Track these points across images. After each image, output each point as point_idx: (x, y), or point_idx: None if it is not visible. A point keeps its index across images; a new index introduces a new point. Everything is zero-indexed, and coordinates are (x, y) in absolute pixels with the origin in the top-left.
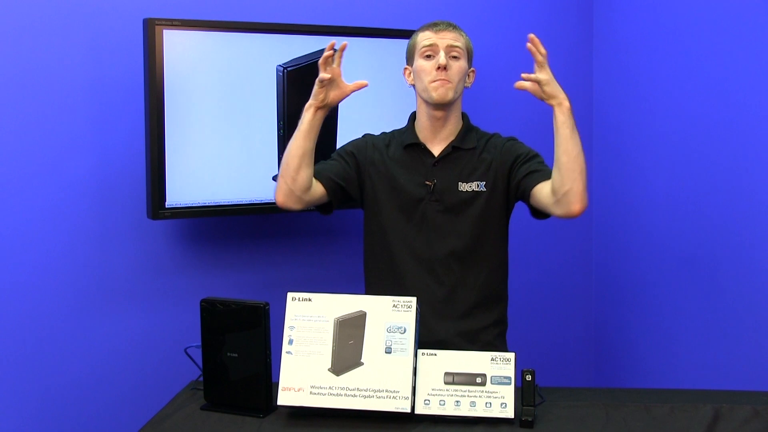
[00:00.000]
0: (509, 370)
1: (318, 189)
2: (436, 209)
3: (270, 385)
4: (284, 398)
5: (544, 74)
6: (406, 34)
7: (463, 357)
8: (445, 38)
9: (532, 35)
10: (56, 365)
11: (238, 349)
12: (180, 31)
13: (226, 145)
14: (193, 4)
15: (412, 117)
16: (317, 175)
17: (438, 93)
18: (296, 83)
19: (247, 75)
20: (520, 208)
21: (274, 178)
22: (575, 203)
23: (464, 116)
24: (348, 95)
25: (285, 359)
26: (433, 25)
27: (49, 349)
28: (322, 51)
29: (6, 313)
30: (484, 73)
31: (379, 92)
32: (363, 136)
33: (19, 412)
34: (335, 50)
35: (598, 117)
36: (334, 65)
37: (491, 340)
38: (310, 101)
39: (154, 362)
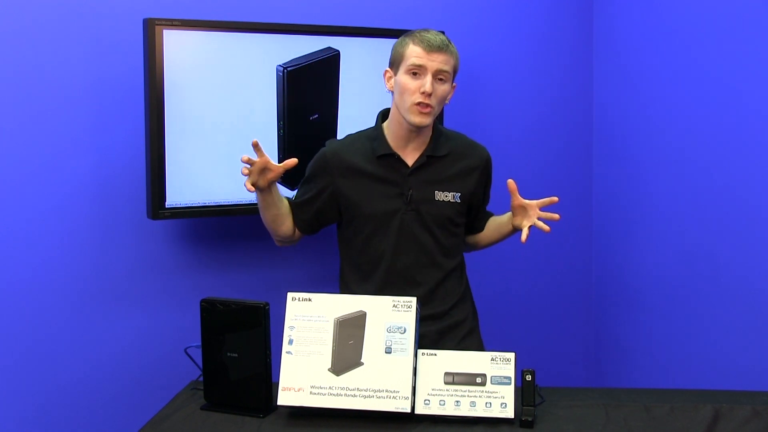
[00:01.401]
0: (509, 370)
1: (299, 234)
2: (413, 219)
3: (270, 385)
4: (284, 398)
5: (525, 218)
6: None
7: (463, 357)
8: (435, 61)
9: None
10: (56, 365)
11: (238, 349)
12: (180, 31)
13: (226, 145)
14: (193, 4)
15: (382, 116)
16: (297, 225)
17: (417, 119)
18: (296, 83)
19: (247, 75)
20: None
21: None
22: (467, 251)
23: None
24: (281, 174)
25: (285, 359)
26: (425, 42)
27: (49, 349)
28: (322, 51)
29: (6, 313)
30: (483, 74)
31: (379, 92)
32: (323, 152)
33: (19, 411)
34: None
35: (598, 117)
36: (256, 159)
37: (468, 333)
38: (248, 186)
39: (154, 362)
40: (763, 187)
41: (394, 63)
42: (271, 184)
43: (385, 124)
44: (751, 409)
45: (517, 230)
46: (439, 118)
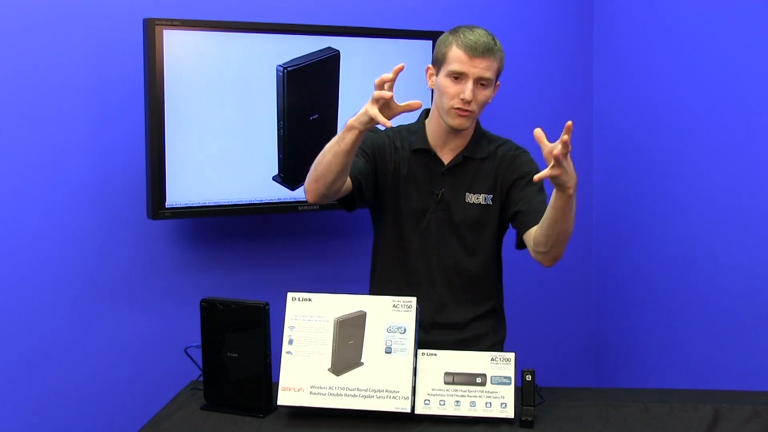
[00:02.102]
0: (509, 370)
1: (347, 186)
2: (442, 220)
3: (270, 385)
4: (284, 398)
5: (558, 170)
6: (406, 34)
7: (463, 357)
8: (478, 67)
9: (570, 124)
10: (56, 365)
11: (238, 349)
12: (180, 31)
13: (226, 145)
14: (193, 4)
15: (424, 115)
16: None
17: (456, 122)
18: (296, 83)
19: (247, 75)
20: None
21: (275, 179)
22: (548, 261)
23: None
24: (397, 115)
25: (285, 359)
26: (470, 47)
27: (49, 349)
28: (322, 51)
29: (6, 313)
30: None
31: None
32: (376, 132)
33: (20, 411)
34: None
35: (598, 117)
36: (386, 88)
37: (488, 348)
38: (355, 124)
39: (154, 362)
40: (763, 187)
41: (436, 62)
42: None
43: (427, 120)
44: (751, 409)
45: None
46: None
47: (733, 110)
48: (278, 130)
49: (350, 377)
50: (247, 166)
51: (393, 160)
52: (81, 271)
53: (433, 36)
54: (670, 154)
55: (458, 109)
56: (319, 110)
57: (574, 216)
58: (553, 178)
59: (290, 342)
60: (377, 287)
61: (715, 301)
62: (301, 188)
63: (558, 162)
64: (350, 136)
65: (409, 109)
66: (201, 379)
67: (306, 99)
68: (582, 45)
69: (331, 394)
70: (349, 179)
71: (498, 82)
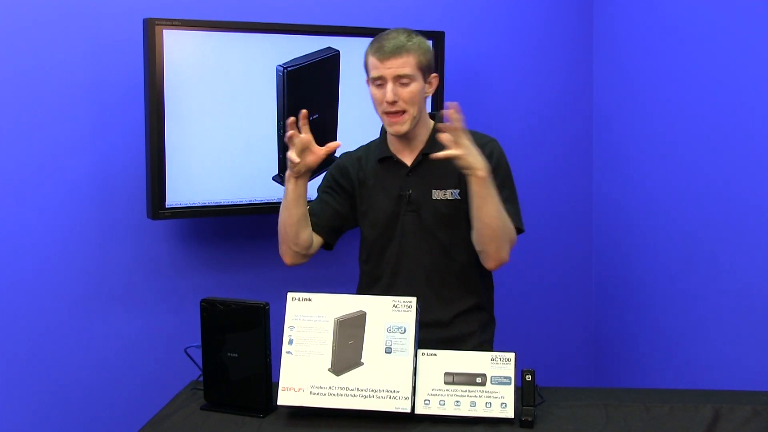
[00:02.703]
0: (509, 370)
1: (319, 240)
2: (414, 220)
3: (270, 385)
4: (284, 398)
5: (458, 149)
6: None
7: (463, 357)
8: (391, 67)
9: (451, 104)
10: (56, 365)
11: (238, 349)
12: (180, 31)
13: (226, 145)
14: (193, 4)
15: (384, 128)
16: (315, 228)
17: (392, 129)
18: (296, 83)
19: (247, 75)
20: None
21: (274, 179)
22: (488, 262)
23: (435, 116)
24: (323, 158)
25: (285, 359)
26: (379, 50)
27: (49, 349)
28: (322, 51)
29: (6, 313)
30: (483, 74)
31: None
32: (338, 159)
33: (19, 411)
34: (297, 121)
35: (598, 117)
36: (302, 134)
37: (475, 347)
38: (288, 172)
39: (154, 362)
40: (763, 187)
41: (366, 74)
42: (307, 172)
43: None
44: (751, 409)
45: (468, 169)
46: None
47: (733, 110)
48: (278, 130)
49: (350, 377)
50: (247, 166)
51: (358, 176)
52: (81, 271)
53: (433, 36)
54: (670, 154)
55: (388, 113)
56: (319, 110)
57: (497, 210)
58: (458, 162)
59: (290, 342)
60: (364, 292)
61: (715, 301)
62: None
63: (453, 142)
64: (289, 186)
65: (330, 151)
66: (201, 379)
67: (306, 99)
68: (582, 45)
69: (331, 394)
70: (322, 237)
71: (435, 74)
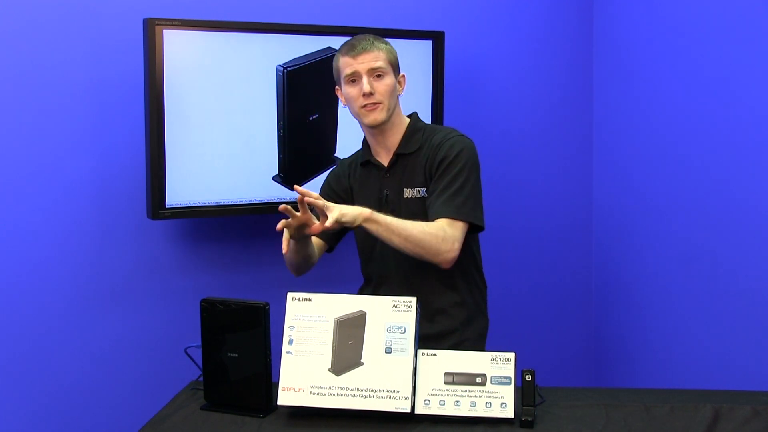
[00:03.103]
0: (509, 370)
1: (322, 246)
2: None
3: (270, 385)
4: (284, 398)
5: (332, 220)
6: (406, 34)
7: (463, 357)
8: (364, 62)
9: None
10: (56, 365)
11: (238, 349)
12: (180, 31)
13: (226, 145)
14: (193, 4)
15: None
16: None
17: (370, 118)
18: (296, 83)
19: (247, 75)
20: (517, 211)
21: (275, 179)
22: (439, 266)
23: (411, 117)
24: (319, 231)
25: (285, 359)
26: (351, 49)
27: (49, 349)
28: (322, 51)
29: (6, 313)
30: (483, 74)
31: None
32: (334, 167)
33: (19, 411)
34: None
35: (598, 117)
36: (299, 214)
37: (456, 344)
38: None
39: (154, 362)
40: (762, 187)
41: (337, 79)
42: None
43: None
44: (751, 409)
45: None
46: (437, 119)
47: (733, 110)
48: (278, 130)
49: (350, 377)
50: (247, 166)
51: (349, 182)
52: (81, 271)
53: (433, 36)
54: (669, 154)
55: (365, 105)
56: (319, 110)
57: (399, 235)
58: (344, 224)
59: (290, 342)
60: (361, 291)
61: (715, 301)
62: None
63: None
64: (291, 243)
65: (329, 227)
66: (201, 379)
67: (306, 99)
68: (582, 45)
69: (331, 394)
70: (325, 244)
71: (402, 74)
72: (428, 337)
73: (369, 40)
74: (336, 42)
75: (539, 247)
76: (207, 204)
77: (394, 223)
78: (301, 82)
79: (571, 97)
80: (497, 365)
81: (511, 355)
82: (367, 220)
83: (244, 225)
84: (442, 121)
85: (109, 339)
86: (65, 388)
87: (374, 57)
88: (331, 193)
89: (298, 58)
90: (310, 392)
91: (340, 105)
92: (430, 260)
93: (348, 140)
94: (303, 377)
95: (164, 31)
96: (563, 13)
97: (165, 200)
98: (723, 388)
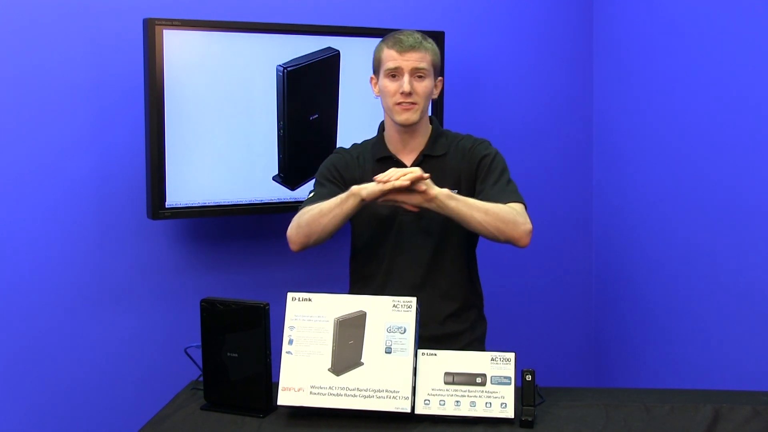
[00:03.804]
0: (509, 370)
1: None
2: (413, 220)
3: (270, 385)
4: (284, 398)
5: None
6: None
7: (463, 357)
8: (410, 60)
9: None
10: (56, 365)
11: (238, 349)
12: (180, 31)
13: (226, 145)
14: (193, 4)
15: (381, 127)
16: None
17: (403, 117)
18: (296, 83)
19: (247, 75)
20: None
21: (275, 179)
22: (517, 243)
23: (432, 120)
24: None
25: (285, 359)
26: (398, 43)
27: (49, 349)
28: (322, 51)
29: (6, 313)
30: (483, 74)
31: None
32: (337, 152)
33: (19, 411)
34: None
35: (598, 117)
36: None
37: (466, 345)
38: (362, 194)
39: (154, 362)
40: (762, 187)
41: (376, 69)
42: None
43: (384, 131)
44: (751, 409)
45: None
46: (437, 118)
47: (734, 110)
48: (278, 130)
49: (350, 377)
50: (247, 166)
51: (357, 173)
52: (81, 271)
53: (433, 36)
54: (670, 154)
55: (401, 103)
56: (319, 110)
57: (476, 212)
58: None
59: (290, 342)
60: (356, 291)
61: (714, 301)
62: (301, 188)
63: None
64: (353, 202)
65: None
66: (201, 379)
67: (306, 99)
68: (582, 45)
69: (331, 394)
70: None
71: (441, 78)
72: (439, 339)
73: (417, 38)
74: (336, 42)
75: (539, 247)
76: (207, 204)
77: (471, 199)
78: (301, 82)
79: (571, 96)
80: (497, 365)
81: (511, 355)
82: (450, 196)
83: (244, 225)
84: (442, 121)
85: (108, 339)
86: (65, 387)
87: (420, 57)
88: (338, 177)
89: (298, 58)
90: (310, 392)
91: (340, 105)
92: (509, 236)
93: (348, 140)
94: (303, 377)
95: (164, 31)
96: (563, 12)
97: (165, 200)
98: (723, 388)
